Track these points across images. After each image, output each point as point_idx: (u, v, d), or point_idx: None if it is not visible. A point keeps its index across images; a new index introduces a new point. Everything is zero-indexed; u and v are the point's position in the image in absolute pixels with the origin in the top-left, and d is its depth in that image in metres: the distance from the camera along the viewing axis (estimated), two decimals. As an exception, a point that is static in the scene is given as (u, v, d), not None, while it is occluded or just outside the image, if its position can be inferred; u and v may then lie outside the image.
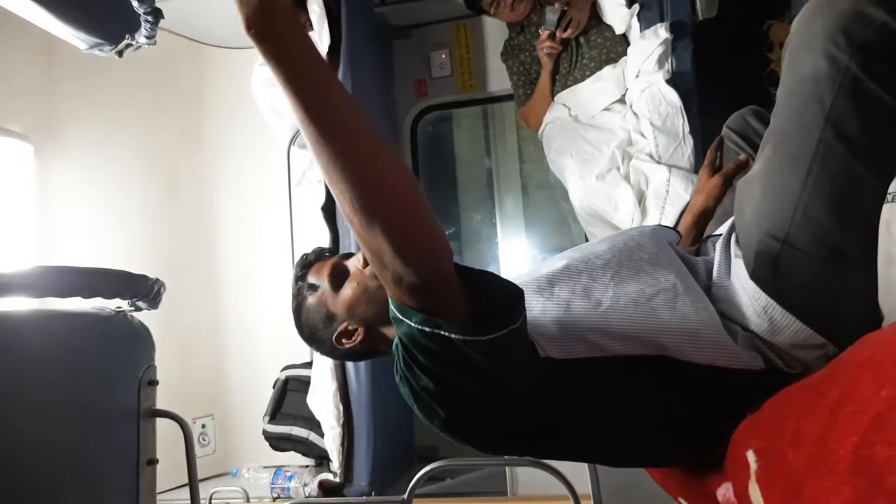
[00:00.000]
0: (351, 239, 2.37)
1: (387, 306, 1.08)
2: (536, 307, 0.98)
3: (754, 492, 0.71)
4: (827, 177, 0.82)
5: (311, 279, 1.18)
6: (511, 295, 0.87)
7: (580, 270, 1.01)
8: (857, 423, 0.55)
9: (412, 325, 0.83)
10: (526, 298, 0.89)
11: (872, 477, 0.51)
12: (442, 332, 0.81)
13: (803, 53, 0.85)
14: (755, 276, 0.90)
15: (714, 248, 1.04)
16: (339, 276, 1.14)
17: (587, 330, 0.93)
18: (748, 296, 0.92)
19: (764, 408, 0.77)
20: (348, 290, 1.12)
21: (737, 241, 0.98)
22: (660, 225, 1.11)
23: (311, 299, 1.16)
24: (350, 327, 1.12)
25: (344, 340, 1.13)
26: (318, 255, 1.23)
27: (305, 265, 1.21)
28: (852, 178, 0.81)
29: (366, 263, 1.13)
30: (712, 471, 0.92)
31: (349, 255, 1.20)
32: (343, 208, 0.75)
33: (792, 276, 0.87)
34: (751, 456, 0.72)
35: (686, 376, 0.90)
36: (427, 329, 0.82)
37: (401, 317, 0.85)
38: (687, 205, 1.36)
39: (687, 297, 0.93)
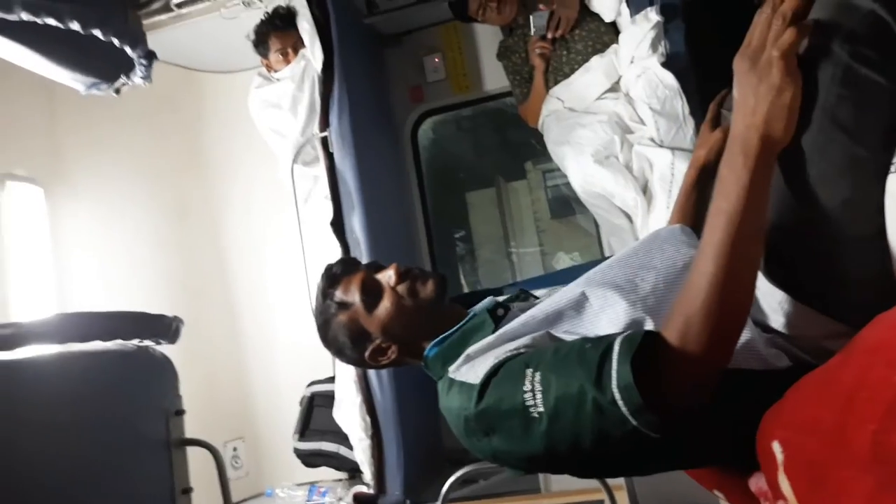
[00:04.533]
0: (360, 251, 2.37)
1: (420, 323, 1.11)
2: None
3: (784, 483, 0.70)
4: (829, 165, 0.81)
5: (340, 295, 1.16)
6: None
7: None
8: (873, 410, 0.54)
9: (621, 408, 0.76)
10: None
11: (892, 465, 0.50)
12: (624, 411, 0.76)
13: None
14: (765, 270, 0.88)
15: None
16: (371, 294, 1.13)
17: None
18: (761, 293, 0.90)
19: (786, 396, 0.76)
20: (383, 309, 1.12)
21: None
22: (680, 227, 1.09)
23: (342, 317, 1.14)
24: (384, 345, 1.13)
25: (379, 358, 1.14)
26: (345, 268, 1.19)
27: (332, 279, 1.18)
28: (855, 162, 0.80)
29: (399, 280, 1.13)
30: (745, 462, 0.91)
31: (377, 268, 1.18)
32: (701, 280, 0.76)
33: (802, 265, 0.85)
34: (776, 447, 0.71)
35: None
36: (628, 409, 0.75)
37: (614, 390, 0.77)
38: None
39: None
